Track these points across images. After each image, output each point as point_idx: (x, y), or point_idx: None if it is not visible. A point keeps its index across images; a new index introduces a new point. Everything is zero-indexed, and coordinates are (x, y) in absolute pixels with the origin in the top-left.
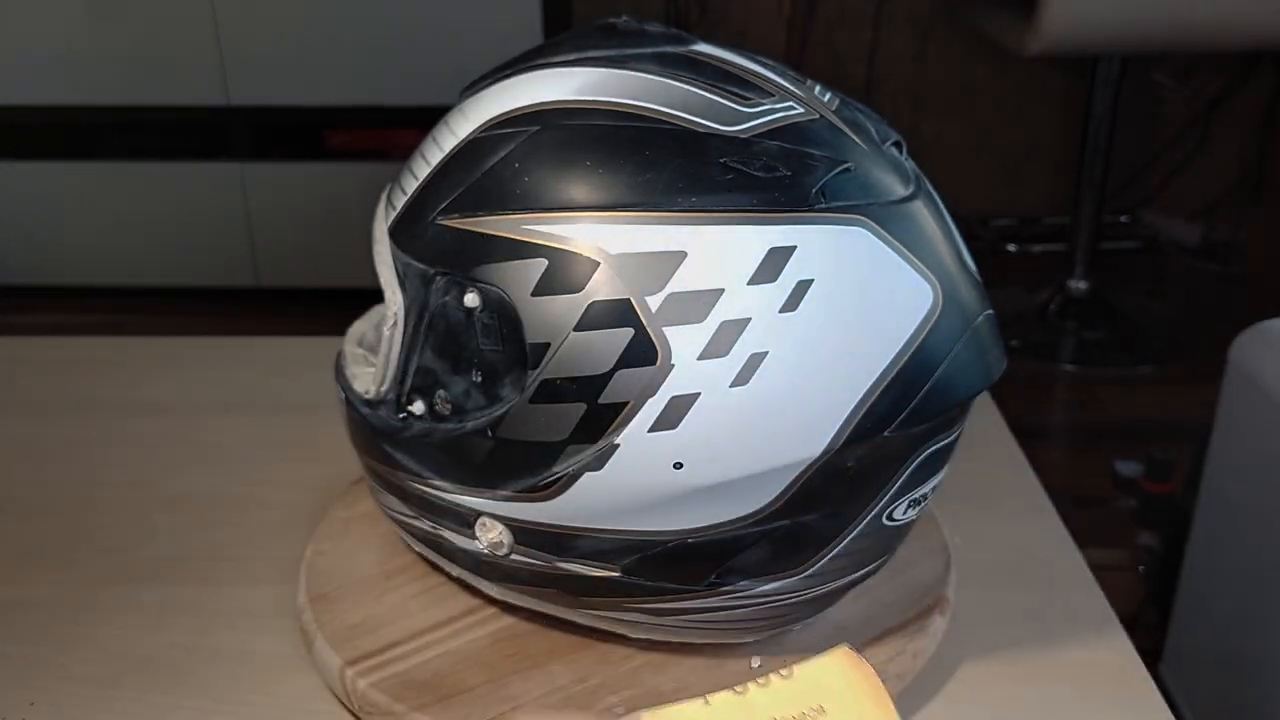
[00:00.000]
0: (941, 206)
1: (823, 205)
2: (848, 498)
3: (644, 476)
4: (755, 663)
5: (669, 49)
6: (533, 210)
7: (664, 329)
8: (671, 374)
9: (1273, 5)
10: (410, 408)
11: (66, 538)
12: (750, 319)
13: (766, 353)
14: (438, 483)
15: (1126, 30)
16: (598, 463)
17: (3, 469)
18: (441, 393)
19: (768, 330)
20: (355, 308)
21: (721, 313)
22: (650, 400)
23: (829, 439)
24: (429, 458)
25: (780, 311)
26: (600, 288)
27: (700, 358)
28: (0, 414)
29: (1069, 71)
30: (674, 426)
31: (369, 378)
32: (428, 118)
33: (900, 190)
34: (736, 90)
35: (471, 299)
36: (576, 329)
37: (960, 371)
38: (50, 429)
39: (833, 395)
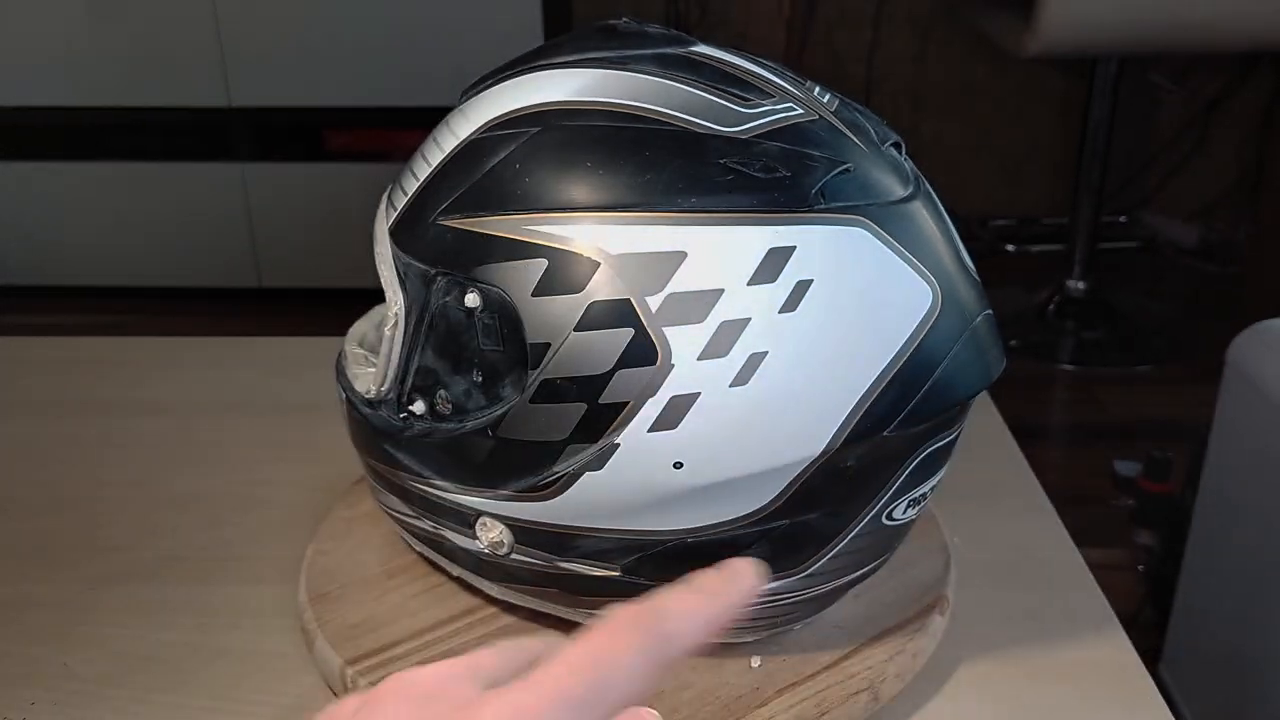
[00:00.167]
0: (940, 207)
1: (822, 206)
2: (847, 497)
3: (644, 476)
4: (755, 662)
5: (669, 50)
6: (533, 210)
7: (664, 329)
8: (671, 374)
9: (1271, 6)
10: (411, 408)
11: (67, 538)
12: (750, 319)
13: (766, 353)
14: (438, 482)
15: (1125, 31)
16: (598, 462)
17: (3, 469)
18: (442, 392)
19: (767, 330)
20: (355, 308)
21: (721, 313)
22: (650, 400)
23: (829, 439)
24: (430, 457)
25: (780, 312)
26: (600, 288)
27: (700, 358)
28: (0, 414)
29: (1068, 72)
30: (674, 426)
31: (370, 378)
32: (428, 118)
33: (899, 191)
34: (736, 91)
35: (472, 299)
36: (577, 329)
37: (959, 371)
38: (51, 429)
39: (832, 395)
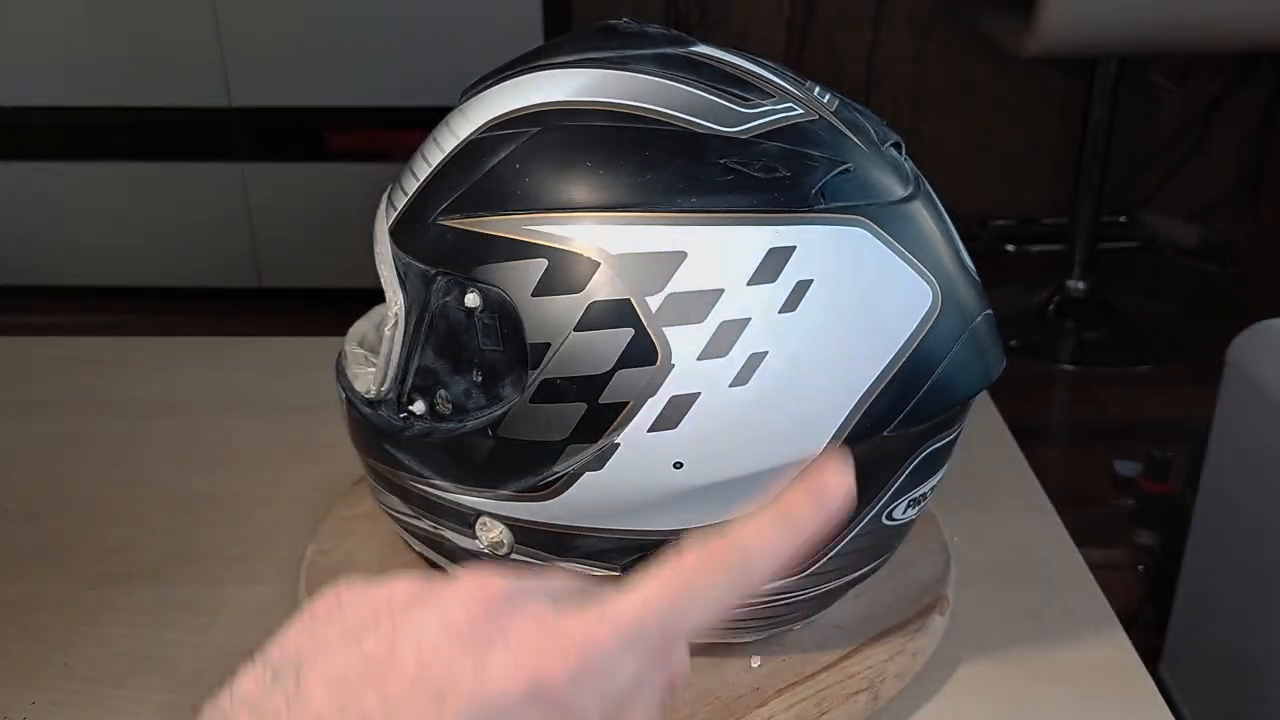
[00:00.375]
0: (940, 207)
1: (822, 206)
2: None
3: (644, 476)
4: (755, 662)
5: (669, 50)
6: (533, 210)
7: (664, 329)
8: (671, 374)
9: (1271, 6)
10: (411, 407)
11: (68, 538)
12: (750, 319)
13: (766, 353)
14: (438, 482)
15: (1125, 31)
16: (598, 462)
17: (3, 469)
18: (442, 392)
19: (767, 330)
20: (355, 308)
21: (721, 313)
22: (650, 400)
23: (828, 438)
24: (430, 457)
25: (780, 311)
26: (600, 288)
27: (700, 358)
28: (0, 414)
29: (1068, 72)
30: (674, 426)
31: (370, 378)
32: (428, 118)
33: (899, 191)
34: (736, 91)
35: (472, 299)
36: (577, 329)
37: (959, 371)
38: (50, 429)
39: (832, 395)
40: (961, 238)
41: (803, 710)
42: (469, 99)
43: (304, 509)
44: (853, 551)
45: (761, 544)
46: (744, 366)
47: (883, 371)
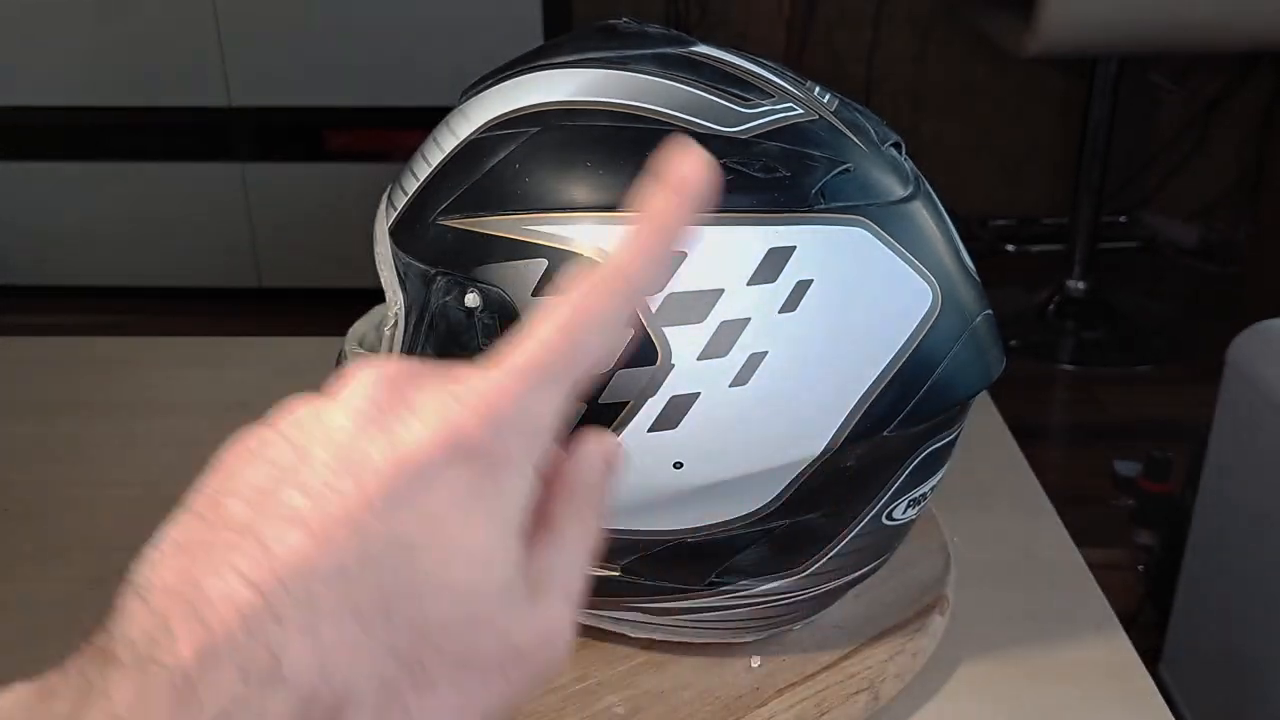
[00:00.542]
0: (940, 207)
1: (822, 206)
2: (847, 497)
3: (644, 476)
4: (755, 662)
5: (669, 50)
6: (533, 211)
7: (664, 329)
8: (671, 374)
9: (1271, 6)
10: None
11: (67, 538)
12: (750, 319)
13: (766, 353)
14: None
15: (1125, 31)
16: None
17: (3, 469)
18: None
19: (767, 330)
20: (355, 308)
21: (721, 313)
22: (650, 400)
23: (828, 438)
24: None
25: (780, 311)
26: None
27: (700, 357)
28: (0, 414)
29: (1068, 72)
30: (674, 426)
31: None
32: (428, 118)
33: (899, 191)
34: (736, 91)
35: (472, 299)
36: None
37: (959, 371)
38: (50, 429)
39: (832, 395)
40: (961, 238)
41: (803, 710)
42: (469, 99)
43: None
44: (853, 551)
45: (634, 255)
46: (744, 366)
47: (883, 371)
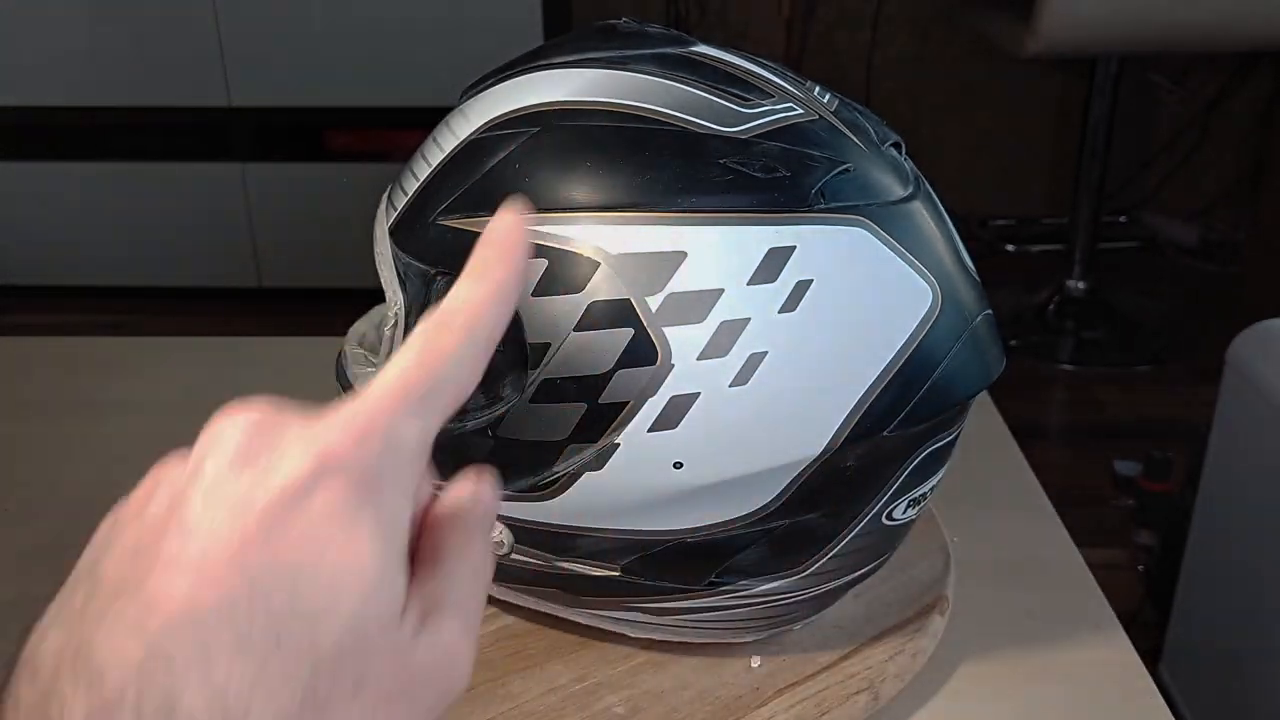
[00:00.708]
0: (940, 207)
1: (822, 206)
2: (847, 497)
3: (644, 476)
4: (755, 662)
5: (669, 50)
6: (533, 211)
7: (664, 329)
8: (671, 374)
9: (1271, 6)
10: None
11: (68, 538)
12: (750, 319)
13: (766, 353)
14: (438, 483)
15: (1125, 31)
16: (598, 462)
17: (3, 469)
18: None
19: (767, 330)
20: (355, 308)
21: (721, 313)
22: (650, 400)
23: (828, 438)
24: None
25: (780, 311)
26: (600, 288)
27: (700, 358)
28: (1, 414)
29: (1068, 72)
30: (674, 426)
31: (370, 378)
32: (428, 118)
33: (899, 191)
34: (736, 91)
35: None
36: (577, 329)
37: (959, 371)
38: (51, 429)
39: (832, 395)
40: (961, 238)
41: (803, 710)
42: (469, 99)
43: None
44: (853, 551)
45: (483, 303)
46: (744, 366)
47: (883, 371)
